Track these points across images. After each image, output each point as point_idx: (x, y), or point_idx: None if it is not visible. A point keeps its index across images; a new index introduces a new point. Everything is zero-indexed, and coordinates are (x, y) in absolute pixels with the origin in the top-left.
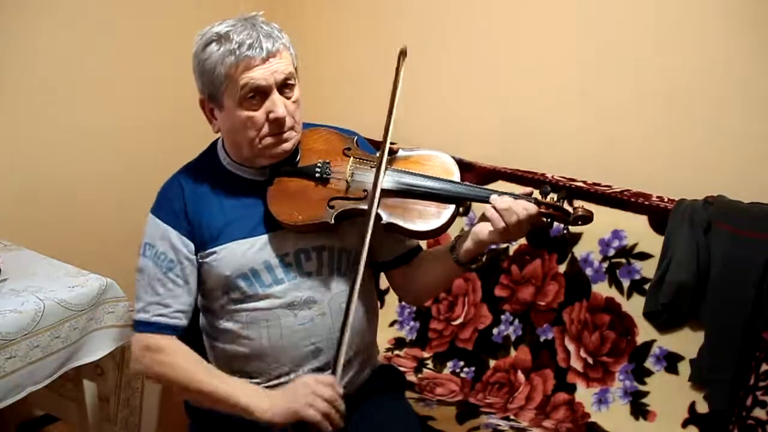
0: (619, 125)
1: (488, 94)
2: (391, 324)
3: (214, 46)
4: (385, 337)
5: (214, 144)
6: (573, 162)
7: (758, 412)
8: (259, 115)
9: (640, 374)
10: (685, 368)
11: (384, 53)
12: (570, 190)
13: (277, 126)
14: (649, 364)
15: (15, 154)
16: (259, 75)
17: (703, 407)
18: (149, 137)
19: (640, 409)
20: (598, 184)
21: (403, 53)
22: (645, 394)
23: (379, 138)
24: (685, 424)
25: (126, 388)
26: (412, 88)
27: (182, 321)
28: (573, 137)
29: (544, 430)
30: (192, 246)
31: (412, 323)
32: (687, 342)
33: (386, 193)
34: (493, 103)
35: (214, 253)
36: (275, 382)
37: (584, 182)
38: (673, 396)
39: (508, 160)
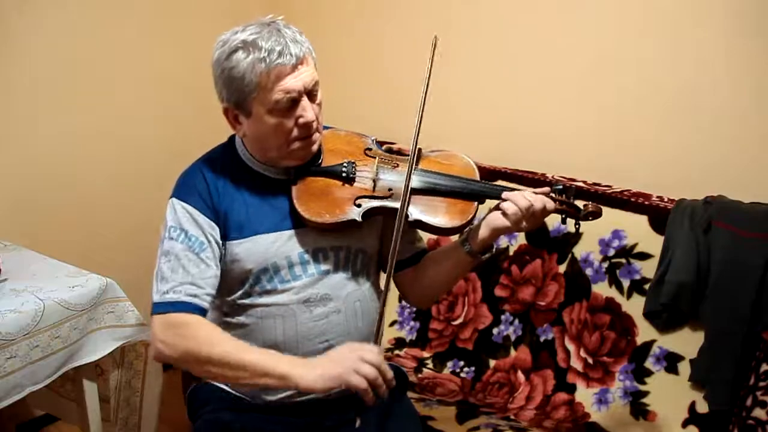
0: (619, 125)
1: (489, 94)
2: (391, 324)
3: (241, 54)
4: (385, 337)
5: (231, 139)
6: (573, 162)
7: (758, 412)
8: (288, 121)
9: (640, 374)
10: (685, 368)
11: (381, 53)
12: (577, 190)
13: (306, 130)
14: (649, 364)
15: (15, 155)
16: (291, 85)
17: (703, 407)
18: (149, 137)
19: (640, 409)
20: (598, 184)
21: (434, 43)
22: (645, 394)
23: (394, 140)
24: (685, 424)
25: (126, 388)
26: (412, 88)
27: (209, 305)
28: (573, 137)
29: (544, 430)
30: (218, 231)
31: (412, 323)
32: (687, 342)
33: (413, 191)
34: (493, 103)
35: (237, 245)
36: None
37: (584, 182)
38: (673, 396)
39: (509, 160)
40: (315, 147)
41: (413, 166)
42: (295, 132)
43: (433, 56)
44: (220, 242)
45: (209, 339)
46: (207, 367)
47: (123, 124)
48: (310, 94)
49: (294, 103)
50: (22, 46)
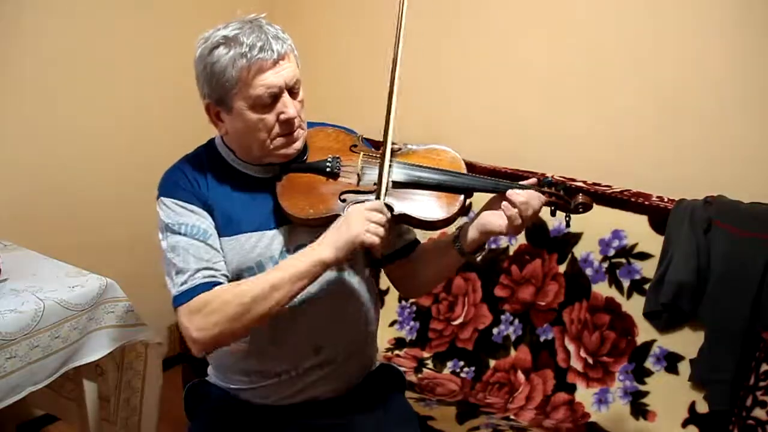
0: (619, 125)
1: (489, 94)
2: (391, 324)
3: (222, 50)
4: (385, 337)
5: (211, 141)
6: (573, 162)
7: (758, 412)
8: (270, 116)
9: (640, 374)
10: (685, 368)
11: (382, 53)
12: (566, 185)
13: (288, 126)
14: (649, 364)
15: (16, 155)
16: (272, 80)
17: (703, 407)
18: (149, 137)
19: (640, 409)
20: (598, 184)
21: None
22: (645, 394)
23: (377, 138)
24: (685, 424)
25: (126, 388)
26: (413, 87)
27: (226, 282)
28: (573, 137)
29: (544, 430)
30: (212, 219)
31: (412, 323)
32: (687, 342)
33: (397, 185)
34: (493, 103)
35: (220, 244)
36: (275, 380)
37: (584, 182)
38: (673, 396)
39: (509, 160)
40: (298, 145)
41: (389, 153)
42: (277, 128)
43: (402, 12)
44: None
45: (235, 293)
46: (245, 319)
47: (123, 125)
48: (291, 91)
49: (275, 98)
50: (23, 46)
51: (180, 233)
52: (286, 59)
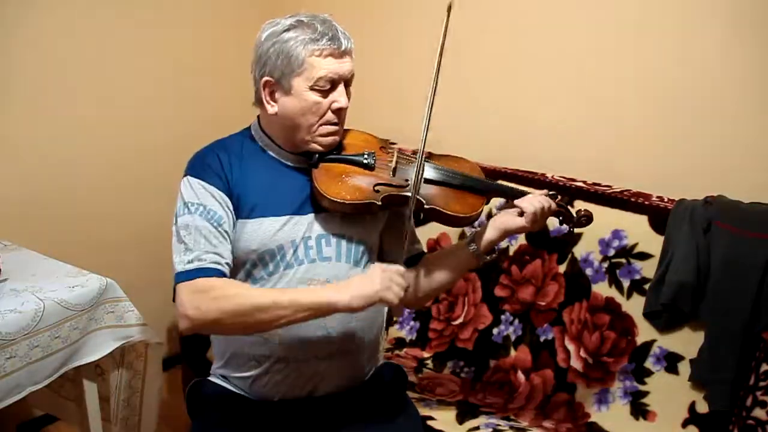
0: (619, 126)
1: (489, 94)
2: (392, 324)
3: (293, 32)
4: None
5: (247, 129)
6: (573, 162)
7: (758, 412)
8: (325, 102)
9: (640, 374)
10: (685, 368)
11: (381, 53)
12: (570, 191)
13: (337, 115)
14: (649, 364)
15: (15, 155)
16: (336, 67)
17: (703, 407)
18: (150, 138)
19: (640, 409)
20: (598, 184)
21: (449, 8)
22: (645, 394)
23: (401, 141)
24: (685, 424)
25: (126, 388)
26: (413, 87)
27: (229, 273)
28: (573, 137)
29: (544, 430)
30: (232, 207)
31: (412, 323)
32: (687, 342)
33: (428, 181)
34: (493, 103)
35: (245, 225)
36: (281, 365)
37: (584, 182)
38: (673, 396)
39: (509, 160)
40: (338, 138)
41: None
42: (327, 116)
43: (447, 24)
44: (234, 217)
45: (241, 293)
46: (241, 320)
47: (124, 125)
48: (346, 85)
49: (332, 86)
50: (24, 45)
51: (196, 213)
52: (350, 55)
